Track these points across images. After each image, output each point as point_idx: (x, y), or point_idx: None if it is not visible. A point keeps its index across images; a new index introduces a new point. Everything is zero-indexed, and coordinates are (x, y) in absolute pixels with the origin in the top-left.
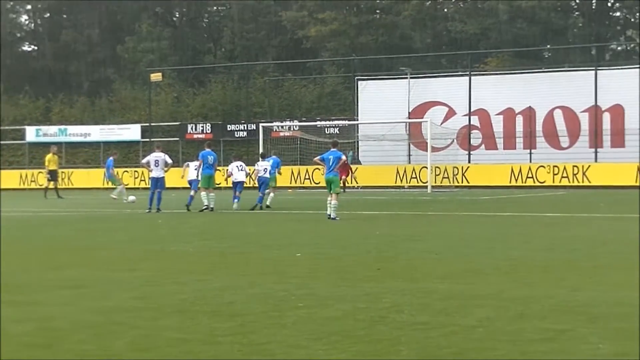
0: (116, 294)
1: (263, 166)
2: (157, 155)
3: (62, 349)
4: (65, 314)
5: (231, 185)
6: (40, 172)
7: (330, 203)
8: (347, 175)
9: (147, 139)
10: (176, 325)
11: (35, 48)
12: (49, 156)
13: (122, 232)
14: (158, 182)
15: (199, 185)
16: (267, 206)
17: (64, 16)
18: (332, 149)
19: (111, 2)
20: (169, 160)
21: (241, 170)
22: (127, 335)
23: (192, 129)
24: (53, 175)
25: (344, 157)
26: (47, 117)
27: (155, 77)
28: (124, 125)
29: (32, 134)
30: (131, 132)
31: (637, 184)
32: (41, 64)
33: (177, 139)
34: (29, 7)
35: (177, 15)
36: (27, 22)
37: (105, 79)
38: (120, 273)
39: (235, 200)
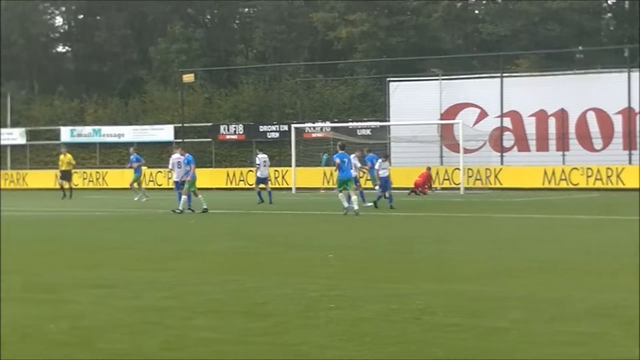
0: (148, 293)
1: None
2: (177, 157)
3: (95, 348)
4: (98, 313)
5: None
6: (75, 172)
7: (352, 199)
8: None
9: (180, 140)
10: (209, 325)
11: (69, 49)
12: (61, 157)
13: (154, 232)
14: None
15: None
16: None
17: (97, 18)
18: (340, 152)
19: (143, 4)
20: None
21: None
22: (160, 335)
23: (224, 129)
24: (65, 176)
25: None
26: (82, 117)
27: (188, 78)
28: (156, 125)
29: (66, 134)
30: (164, 132)
31: None
32: (75, 65)
33: (210, 139)
34: (63, 8)
35: (209, 17)
36: (61, 23)
37: (137, 80)
38: (152, 273)
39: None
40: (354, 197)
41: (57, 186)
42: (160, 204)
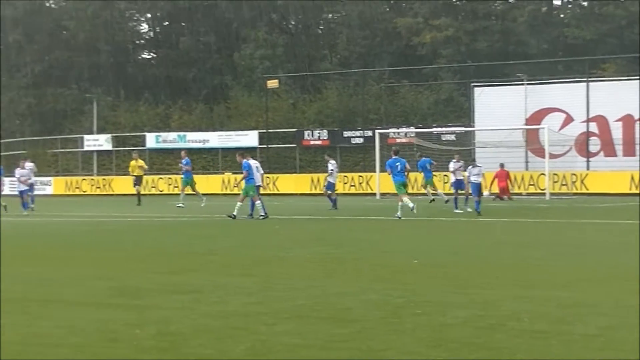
0: (233, 299)
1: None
2: (255, 163)
3: (181, 353)
4: (184, 319)
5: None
6: (160, 178)
7: (404, 202)
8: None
9: (265, 146)
10: (294, 331)
11: (154, 55)
12: (132, 162)
13: (239, 237)
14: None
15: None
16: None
17: (182, 24)
18: (394, 157)
19: (228, 10)
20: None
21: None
22: (246, 340)
23: (308, 135)
24: (138, 181)
25: (407, 164)
26: (167, 123)
27: (272, 84)
28: (241, 131)
29: (152, 140)
30: (248, 138)
31: None
32: (160, 71)
33: (294, 145)
34: (148, 15)
35: (293, 23)
36: (146, 30)
37: (222, 86)
38: (237, 278)
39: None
40: (406, 199)
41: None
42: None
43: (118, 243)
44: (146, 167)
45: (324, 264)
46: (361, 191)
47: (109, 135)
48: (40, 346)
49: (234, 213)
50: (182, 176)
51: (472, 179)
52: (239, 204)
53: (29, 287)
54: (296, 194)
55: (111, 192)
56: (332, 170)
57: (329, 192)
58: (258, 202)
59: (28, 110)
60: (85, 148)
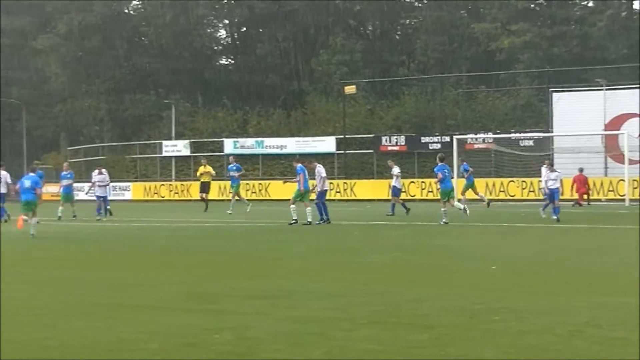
0: (310, 304)
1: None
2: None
3: (259, 358)
4: (261, 324)
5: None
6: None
7: (455, 206)
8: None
9: (342, 151)
10: (372, 337)
11: (232, 61)
12: (201, 168)
13: (316, 243)
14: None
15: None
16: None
17: (260, 30)
18: (440, 164)
19: (305, 16)
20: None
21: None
22: (323, 346)
23: (386, 141)
24: (205, 188)
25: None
26: (244, 129)
27: (349, 89)
28: (318, 137)
29: (229, 146)
30: (326, 144)
31: None
32: (238, 77)
33: (372, 151)
34: (226, 21)
35: (370, 28)
36: (224, 36)
37: (299, 92)
38: (314, 284)
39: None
40: (456, 203)
41: (221, 197)
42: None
43: (195, 248)
44: (214, 173)
45: (401, 269)
46: (438, 197)
47: (187, 141)
48: (119, 351)
49: (309, 220)
50: (231, 182)
51: (550, 184)
52: (308, 209)
53: (109, 292)
54: (373, 200)
55: (189, 198)
56: (397, 175)
57: (395, 197)
58: (308, 208)
59: (107, 117)
60: (164, 154)
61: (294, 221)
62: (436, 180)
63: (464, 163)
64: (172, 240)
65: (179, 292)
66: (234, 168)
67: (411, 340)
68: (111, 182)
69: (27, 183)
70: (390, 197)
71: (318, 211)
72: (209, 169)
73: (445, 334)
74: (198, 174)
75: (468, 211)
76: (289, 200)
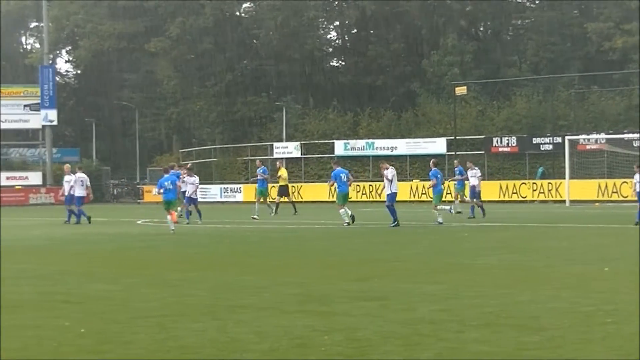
0: (420, 305)
1: None
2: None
3: (369, 359)
4: (371, 325)
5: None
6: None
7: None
8: None
9: (452, 153)
10: (482, 338)
11: (343, 63)
12: (281, 171)
13: (426, 244)
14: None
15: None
16: None
17: (371, 31)
18: (434, 169)
19: (416, 17)
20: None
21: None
22: (434, 347)
23: (497, 142)
24: (283, 191)
25: None
26: (355, 131)
27: (460, 90)
28: (429, 138)
29: (340, 147)
30: (436, 145)
31: None
32: (349, 79)
33: (482, 152)
34: (337, 23)
35: (482, 29)
36: (335, 38)
37: (410, 93)
38: (424, 285)
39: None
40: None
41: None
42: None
43: (306, 250)
44: (286, 176)
45: (512, 271)
46: (550, 198)
47: (298, 143)
48: (230, 351)
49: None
50: (257, 185)
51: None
52: (342, 211)
53: (218, 292)
54: (483, 202)
55: (300, 200)
56: (478, 177)
57: (474, 200)
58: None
59: (219, 119)
60: (275, 155)
61: (346, 224)
62: (429, 185)
63: (459, 166)
64: (283, 242)
65: (290, 293)
66: (261, 171)
67: (521, 342)
68: (223, 184)
69: (167, 184)
70: (468, 200)
71: (391, 214)
72: (284, 172)
73: (557, 336)
74: (278, 177)
75: (454, 211)
76: (400, 202)
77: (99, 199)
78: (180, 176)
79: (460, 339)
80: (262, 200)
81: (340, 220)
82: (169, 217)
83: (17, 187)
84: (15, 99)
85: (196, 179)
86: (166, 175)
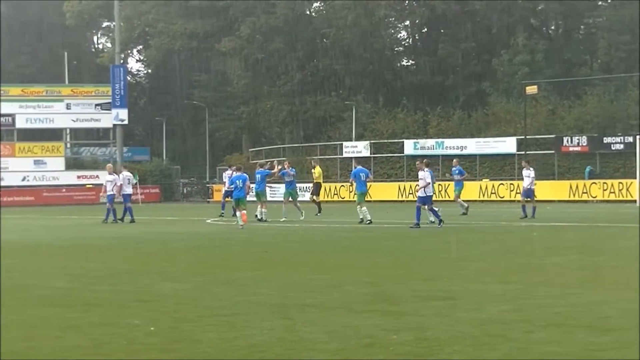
0: (490, 305)
1: None
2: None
3: (437, 359)
4: (440, 324)
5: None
6: (417, 185)
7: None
8: None
9: (523, 152)
10: (551, 339)
11: (413, 62)
12: (317, 169)
13: (495, 244)
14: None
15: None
16: None
17: (441, 31)
18: (426, 169)
19: (487, 16)
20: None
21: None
22: (502, 348)
23: (567, 141)
24: (317, 189)
25: None
26: (425, 130)
27: (531, 90)
28: (499, 138)
29: (410, 147)
30: (506, 145)
31: None
32: (419, 78)
33: (553, 151)
34: (407, 22)
35: (553, 28)
36: (405, 37)
37: (480, 93)
38: (493, 285)
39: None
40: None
41: (401, 198)
42: (501, 216)
43: (375, 249)
44: (320, 174)
45: (582, 271)
46: (621, 198)
47: (367, 142)
48: (297, 351)
49: (360, 217)
50: (286, 187)
51: None
52: (364, 209)
53: (287, 291)
54: (553, 201)
55: (369, 199)
56: (531, 177)
57: (526, 199)
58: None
59: (289, 118)
60: (344, 155)
61: (368, 221)
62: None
63: (458, 166)
64: (352, 241)
65: (359, 292)
66: (292, 172)
67: (590, 343)
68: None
69: (239, 183)
70: (520, 199)
71: (434, 215)
72: (319, 169)
73: (626, 337)
74: (313, 175)
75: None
76: (469, 201)
77: (168, 197)
78: (230, 175)
79: (529, 339)
80: (290, 201)
81: (410, 219)
82: (238, 214)
83: (87, 185)
84: (86, 99)
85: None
86: (238, 174)
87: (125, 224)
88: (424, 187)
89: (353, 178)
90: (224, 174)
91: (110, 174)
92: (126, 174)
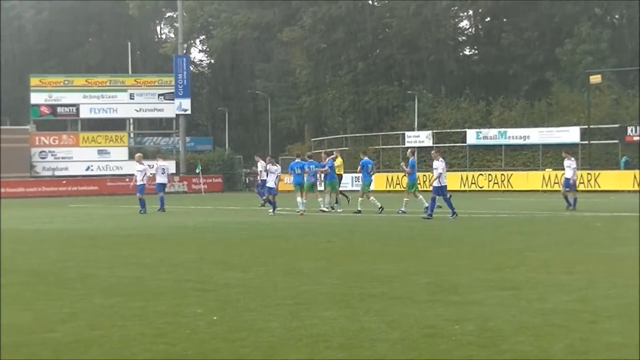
0: (553, 296)
1: None
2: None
3: (500, 350)
4: (503, 314)
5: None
6: (480, 175)
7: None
8: None
9: (586, 142)
10: (615, 330)
11: (476, 52)
12: (338, 160)
13: (558, 234)
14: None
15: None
16: None
17: (504, 20)
18: (412, 158)
19: (550, 5)
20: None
21: None
22: (566, 338)
23: (632, 131)
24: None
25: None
26: (487, 120)
27: (595, 79)
28: (562, 127)
29: (472, 136)
30: (569, 134)
31: None
32: (481, 68)
33: (616, 141)
34: (470, 12)
35: (617, 17)
36: (468, 26)
37: (543, 82)
38: (557, 275)
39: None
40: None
41: (464, 188)
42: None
43: (437, 239)
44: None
45: None
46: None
47: (429, 132)
48: (359, 340)
49: (402, 209)
50: (326, 178)
51: None
52: (372, 199)
53: (350, 281)
54: (618, 191)
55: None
56: (572, 167)
57: (567, 189)
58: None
59: (351, 108)
60: (406, 144)
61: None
62: (406, 172)
63: (412, 158)
64: (414, 231)
65: (423, 282)
66: (330, 164)
67: None
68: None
69: (297, 169)
70: (561, 190)
71: (448, 205)
72: (340, 161)
73: None
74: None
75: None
76: (532, 191)
77: (231, 187)
78: (265, 165)
79: (592, 329)
80: (331, 192)
81: (472, 210)
82: (298, 198)
83: (150, 175)
84: (149, 89)
85: (278, 168)
86: (297, 160)
87: (159, 212)
88: (438, 177)
89: (361, 167)
90: (257, 164)
91: (139, 163)
92: (161, 163)
